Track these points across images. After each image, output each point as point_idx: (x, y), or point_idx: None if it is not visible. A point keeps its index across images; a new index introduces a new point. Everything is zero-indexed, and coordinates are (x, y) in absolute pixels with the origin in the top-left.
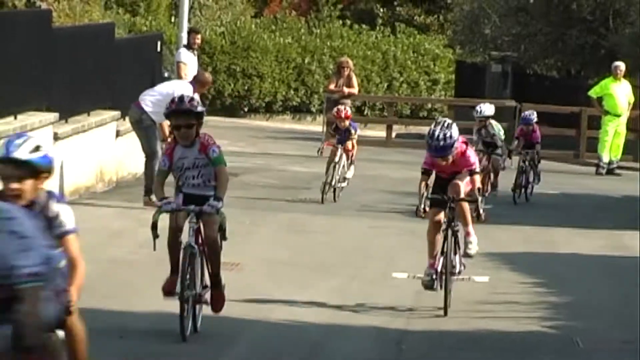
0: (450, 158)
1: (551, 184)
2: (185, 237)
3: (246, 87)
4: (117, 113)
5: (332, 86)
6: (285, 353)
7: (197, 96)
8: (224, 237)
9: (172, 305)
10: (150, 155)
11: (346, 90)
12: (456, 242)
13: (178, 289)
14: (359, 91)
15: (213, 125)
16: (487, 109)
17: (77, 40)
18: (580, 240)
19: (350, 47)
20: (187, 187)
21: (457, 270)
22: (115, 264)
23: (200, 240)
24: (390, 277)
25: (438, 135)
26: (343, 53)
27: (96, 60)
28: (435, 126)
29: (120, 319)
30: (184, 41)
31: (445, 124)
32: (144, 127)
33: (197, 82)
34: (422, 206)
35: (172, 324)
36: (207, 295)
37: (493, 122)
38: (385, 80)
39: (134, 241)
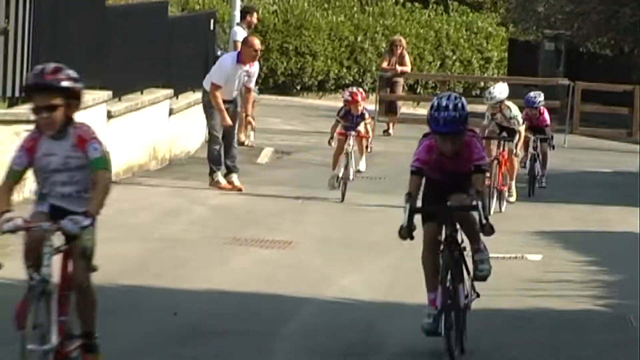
0: (458, 142)
1: (604, 162)
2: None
3: (299, 66)
4: (170, 91)
5: (384, 64)
6: (339, 332)
7: None
8: (90, 268)
9: (226, 283)
10: (209, 136)
11: (399, 68)
12: (465, 265)
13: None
14: (412, 69)
15: (266, 104)
16: (500, 91)
17: (130, 18)
18: (634, 219)
19: (403, 25)
20: (53, 197)
21: (468, 301)
22: (168, 242)
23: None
24: None
25: (447, 105)
26: (396, 31)
27: (149, 39)
28: (439, 98)
29: (173, 297)
30: (237, 19)
31: (453, 95)
32: (206, 108)
33: (243, 44)
34: (406, 224)
35: (225, 301)
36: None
37: (509, 103)
38: (438, 59)
39: (187, 219)
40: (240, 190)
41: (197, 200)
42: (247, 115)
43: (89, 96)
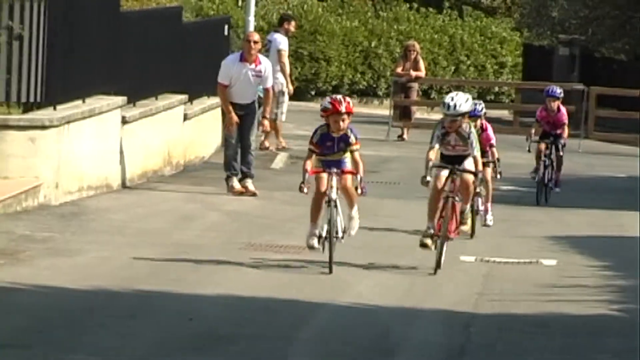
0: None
1: (618, 167)
2: None
3: (313, 71)
4: (184, 97)
5: (399, 69)
6: (354, 337)
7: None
8: None
9: (242, 288)
10: (225, 142)
11: (413, 73)
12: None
13: None
14: (426, 74)
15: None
16: (465, 100)
17: (145, 24)
18: None
19: (417, 30)
20: None
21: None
22: (184, 248)
23: None
24: (459, 260)
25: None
26: (410, 36)
27: (164, 44)
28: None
29: (189, 302)
30: (252, 25)
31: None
32: (223, 113)
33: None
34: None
35: (240, 306)
36: None
37: (468, 120)
38: (452, 64)
39: (202, 225)
40: (254, 194)
41: (212, 205)
42: (264, 117)
43: (104, 102)
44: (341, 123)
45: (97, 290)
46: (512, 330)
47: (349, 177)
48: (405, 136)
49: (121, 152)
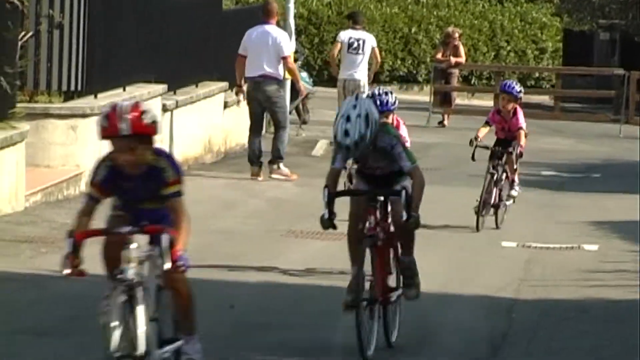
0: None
1: None
2: None
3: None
4: (224, 84)
5: (439, 56)
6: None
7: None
8: None
9: (282, 276)
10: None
11: (453, 60)
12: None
13: None
14: (466, 60)
15: (321, 96)
16: (394, 99)
17: (185, 12)
18: None
19: (457, 16)
20: None
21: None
22: (225, 235)
23: None
24: (500, 246)
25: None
26: (450, 22)
27: (204, 32)
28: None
29: (230, 290)
30: (292, 11)
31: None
32: None
33: None
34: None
35: (280, 294)
36: None
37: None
38: (493, 50)
39: (244, 212)
40: (288, 176)
41: (252, 192)
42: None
43: (144, 90)
44: (128, 155)
45: None
46: (554, 316)
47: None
48: (445, 122)
49: (161, 140)
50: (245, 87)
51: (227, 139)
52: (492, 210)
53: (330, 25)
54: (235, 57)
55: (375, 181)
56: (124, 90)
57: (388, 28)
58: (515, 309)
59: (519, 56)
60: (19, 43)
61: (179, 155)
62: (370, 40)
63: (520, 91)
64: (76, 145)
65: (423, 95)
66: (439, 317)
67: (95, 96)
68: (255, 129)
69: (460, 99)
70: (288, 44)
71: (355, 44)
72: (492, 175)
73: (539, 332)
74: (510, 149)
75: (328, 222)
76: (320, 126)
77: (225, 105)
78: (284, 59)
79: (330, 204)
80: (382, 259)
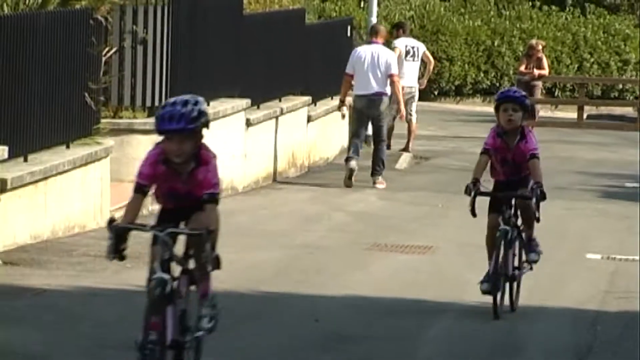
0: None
1: None
2: None
3: (436, 71)
4: (308, 98)
5: (522, 68)
6: (480, 334)
7: None
8: None
9: (367, 289)
10: None
11: (537, 72)
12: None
13: None
14: (549, 72)
15: None
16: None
17: (268, 26)
18: None
19: (540, 28)
20: None
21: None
22: (309, 249)
23: None
24: (585, 258)
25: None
26: (533, 35)
27: (287, 46)
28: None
29: (314, 303)
30: None
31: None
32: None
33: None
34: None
35: (365, 307)
36: None
37: None
38: (576, 62)
39: (327, 225)
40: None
41: (336, 206)
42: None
43: (228, 104)
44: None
45: (223, 292)
46: (639, 328)
47: None
48: None
49: (245, 155)
50: (348, 103)
51: (310, 153)
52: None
53: (414, 38)
54: (318, 71)
55: None
56: (208, 105)
57: (471, 41)
58: (600, 321)
59: (602, 68)
60: (103, 59)
61: (262, 169)
62: (422, 47)
63: (528, 99)
64: None
65: None
66: (524, 329)
67: None
68: (357, 142)
69: (543, 111)
70: (396, 64)
71: (412, 52)
72: (506, 234)
73: (623, 344)
74: (527, 192)
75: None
76: (404, 140)
77: (309, 119)
78: (391, 76)
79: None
80: None
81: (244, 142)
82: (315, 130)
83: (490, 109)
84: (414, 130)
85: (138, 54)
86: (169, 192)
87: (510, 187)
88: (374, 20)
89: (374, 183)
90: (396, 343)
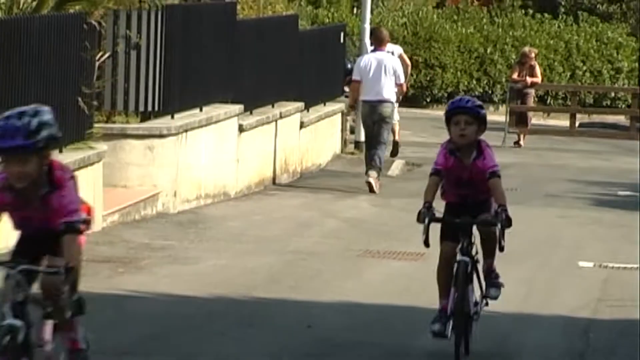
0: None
1: None
2: None
3: (428, 78)
4: (301, 104)
5: (515, 75)
6: (473, 343)
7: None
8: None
9: (360, 295)
10: None
11: (529, 80)
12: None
13: None
14: (542, 80)
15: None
16: None
17: (261, 32)
18: None
19: (533, 36)
20: None
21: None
22: (302, 255)
23: None
24: (577, 266)
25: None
26: (525, 43)
27: (280, 52)
28: None
29: (307, 309)
30: (367, 32)
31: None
32: None
33: None
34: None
35: (358, 313)
36: None
37: None
38: (568, 70)
39: (320, 232)
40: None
41: (329, 212)
42: None
43: (221, 110)
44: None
45: (216, 298)
46: (632, 336)
47: None
48: (521, 142)
49: (238, 160)
50: (358, 108)
51: (303, 159)
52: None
53: (406, 45)
54: (311, 77)
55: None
56: (201, 110)
57: (464, 48)
58: (592, 328)
59: (595, 76)
60: (97, 64)
61: (255, 175)
62: (398, 50)
63: (483, 109)
64: (153, 166)
65: (498, 115)
66: (517, 336)
67: (172, 116)
68: (371, 144)
69: (535, 119)
70: (402, 72)
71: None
72: (465, 267)
73: (616, 352)
74: (490, 216)
75: None
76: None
77: (302, 125)
78: (400, 85)
79: None
80: None
81: (237, 148)
82: (308, 136)
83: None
84: (397, 131)
85: (131, 59)
86: (21, 222)
87: (467, 211)
88: (367, 27)
89: (368, 176)
90: (388, 350)
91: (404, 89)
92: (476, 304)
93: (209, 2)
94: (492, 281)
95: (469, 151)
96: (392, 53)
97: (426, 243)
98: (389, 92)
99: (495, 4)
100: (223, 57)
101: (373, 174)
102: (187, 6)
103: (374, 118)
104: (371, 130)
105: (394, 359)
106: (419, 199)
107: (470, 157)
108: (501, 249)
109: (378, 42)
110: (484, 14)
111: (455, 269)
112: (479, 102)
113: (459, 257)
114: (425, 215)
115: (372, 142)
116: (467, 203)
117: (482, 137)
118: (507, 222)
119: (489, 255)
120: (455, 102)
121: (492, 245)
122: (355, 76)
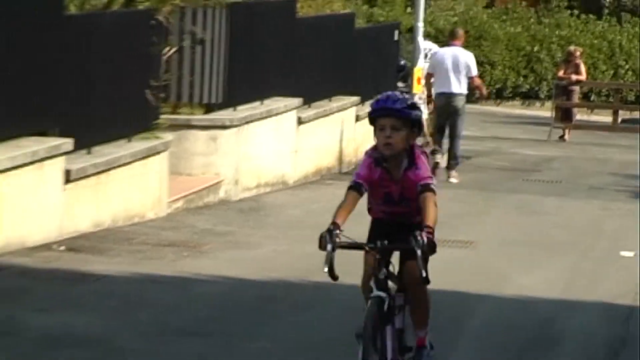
0: None
1: None
2: None
3: (478, 74)
4: (357, 98)
5: (560, 73)
6: (517, 327)
7: None
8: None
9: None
10: None
11: (574, 77)
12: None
13: None
14: (586, 78)
15: None
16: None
17: (319, 29)
18: None
19: (578, 36)
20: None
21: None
22: (358, 241)
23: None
24: (619, 255)
25: None
26: (571, 42)
27: (337, 48)
28: None
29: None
30: (420, 30)
31: None
32: None
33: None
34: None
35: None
36: None
37: None
38: (611, 68)
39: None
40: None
41: None
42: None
43: (280, 103)
44: None
45: (275, 282)
46: None
47: None
48: (566, 137)
49: (296, 151)
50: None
51: (358, 150)
52: None
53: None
54: (366, 72)
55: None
56: (262, 103)
57: (511, 46)
58: (633, 315)
59: (637, 75)
60: (164, 58)
61: (312, 165)
62: (435, 48)
63: (415, 107)
64: (216, 155)
65: (544, 111)
66: (560, 322)
67: (235, 109)
68: (440, 135)
69: (580, 115)
70: (475, 65)
71: (427, 54)
72: (380, 304)
73: None
74: (413, 243)
75: None
76: (446, 139)
77: (357, 118)
78: (472, 78)
79: None
80: None
81: (295, 139)
82: (362, 129)
83: (529, 111)
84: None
85: (196, 54)
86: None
87: (400, 230)
88: (420, 26)
89: (448, 177)
90: (439, 332)
91: (477, 82)
92: (407, 349)
93: (271, 0)
94: (422, 354)
95: (399, 161)
96: (430, 51)
97: (331, 275)
98: (461, 85)
99: (543, 4)
100: (283, 53)
101: (454, 173)
102: (250, 4)
103: (448, 109)
104: (443, 122)
105: (441, 341)
106: (467, 190)
107: (401, 167)
108: (425, 280)
109: (453, 38)
110: (532, 14)
111: (366, 307)
112: (411, 101)
113: (373, 292)
114: (327, 240)
115: (449, 135)
116: (397, 222)
117: (524, 132)
118: (430, 249)
119: (419, 324)
120: (380, 101)
121: (420, 304)
122: (429, 69)
